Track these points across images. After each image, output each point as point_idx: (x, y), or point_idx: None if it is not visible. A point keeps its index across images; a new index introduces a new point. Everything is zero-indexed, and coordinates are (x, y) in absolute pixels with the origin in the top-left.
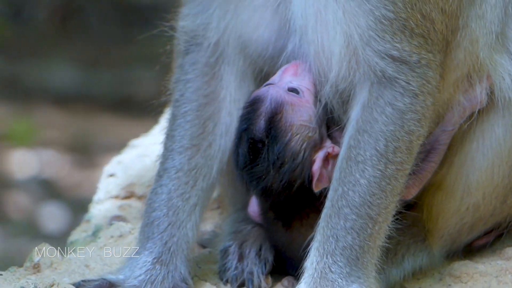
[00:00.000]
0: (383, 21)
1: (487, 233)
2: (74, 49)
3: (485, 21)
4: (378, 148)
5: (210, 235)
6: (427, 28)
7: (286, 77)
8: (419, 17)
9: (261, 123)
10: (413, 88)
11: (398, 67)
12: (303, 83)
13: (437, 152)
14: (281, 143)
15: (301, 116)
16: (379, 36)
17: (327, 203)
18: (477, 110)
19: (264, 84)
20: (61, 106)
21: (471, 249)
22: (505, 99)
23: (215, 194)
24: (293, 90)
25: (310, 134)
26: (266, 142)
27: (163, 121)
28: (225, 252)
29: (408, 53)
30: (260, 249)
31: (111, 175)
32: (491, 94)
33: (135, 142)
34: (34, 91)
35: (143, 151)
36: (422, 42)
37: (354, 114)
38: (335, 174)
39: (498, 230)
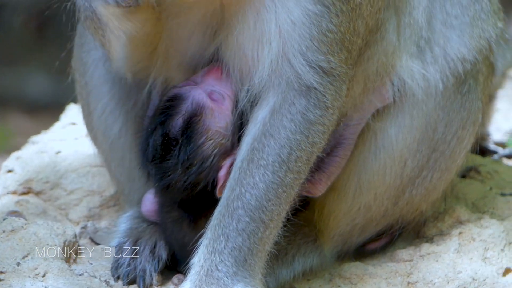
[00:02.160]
0: (327, 33)
1: (379, 235)
2: (49, 57)
3: (410, 29)
4: (282, 155)
5: (104, 232)
6: (353, 42)
7: (209, 80)
8: (352, 31)
9: (178, 121)
10: (326, 100)
11: (322, 78)
12: (225, 89)
13: (342, 147)
14: (194, 145)
15: (219, 123)
16: (317, 47)
17: (222, 202)
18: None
19: (184, 82)
20: (35, 115)
21: (363, 252)
22: (405, 96)
23: (112, 191)
24: (215, 95)
25: (223, 141)
26: (180, 141)
27: (64, 117)
28: (119, 248)
29: (335, 66)
30: (154, 247)
31: (10, 171)
32: (393, 94)
33: (35, 138)
34: (8, 98)
35: (42, 148)
36: (347, 56)
37: (262, 116)
38: (233, 174)
39: (390, 232)
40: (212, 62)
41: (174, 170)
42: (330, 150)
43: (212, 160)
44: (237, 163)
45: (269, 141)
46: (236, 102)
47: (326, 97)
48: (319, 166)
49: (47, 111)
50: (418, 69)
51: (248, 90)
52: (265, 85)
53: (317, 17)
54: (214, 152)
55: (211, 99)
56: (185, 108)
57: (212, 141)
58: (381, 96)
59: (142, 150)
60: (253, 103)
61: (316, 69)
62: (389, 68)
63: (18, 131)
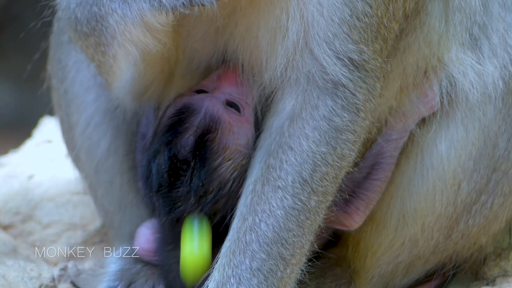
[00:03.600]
0: (361, 17)
1: (428, 276)
2: (14, 64)
3: (461, 13)
4: (304, 173)
5: (89, 275)
6: (390, 29)
7: (224, 86)
8: (390, 15)
9: (189, 139)
10: (357, 101)
11: (352, 73)
12: (243, 96)
13: (381, 167)
14: (209, 168)
15: (238, 139)
16: (347, 34)
17: (231, 235)
18: (424, 116)
19: (194, 89)
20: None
21: None
22: (456, 100)
23: (98, 224)
24: (232, 105)
25: (243, 162)
26: (192, 164)
27: (37, 134)
28: None
29: (368, 58)
30: None
31: None
32: (441, 97)
33: (2, 159)
34: None
35: (10, 171)
36: (382, 46)
37: (278, 124)
38: (245, 199)
39: (441, 272)
40: (224, 63)
41: (186, 200)
42: (368, 172)
43: (231, 186)
44: (248, 185)
45: (287, 156)
46: (256, 113)
47: (357, 96)
48: (354, 191)
49: (14, 127)
50: (472, 63)
51: (260, 90)
52: (281, 83)
53: None
54: (234, 176)
55: (228, 111)
56: (197, 123)
57: (230, 162)
58: (427, 100)
59: (143, 177)
60: (267, 107)
61: (345, 61)
62: (434, 61)
63: None
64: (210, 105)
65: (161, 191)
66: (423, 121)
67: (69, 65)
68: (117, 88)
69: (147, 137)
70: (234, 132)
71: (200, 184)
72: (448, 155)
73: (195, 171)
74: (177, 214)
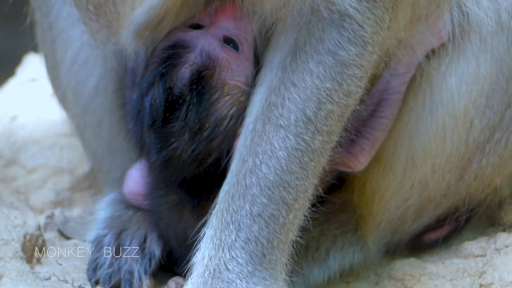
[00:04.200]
0: None
1: (440, 222)
2: (2, 15)
3: None
4: (308, 111)
5: (77, 222)
6: None
7: (221, 21)
8: None
9: (185, 73)
10: (364, 34)
11: (359, 3)
12: (242, 32)
13: (388, 104)
14: (206, 102)
15: (237, 76)
16: None
17: (230, 179)
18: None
19: (189, 23)
20: None
21: (420, 245)
22: (468, 32)
23: (86, 168)
24: (230, 41)
25: (242, 98)
26: (188, 98)
27: (20, 72)
28: (97, 243)
29: None
30: (144, 241)
31: None
32: (452, 27)
33: None
34: None
35: None
36: None
37: (280, 58)
38: (244, 140)
39: (454, 217)
40: None
41: (180, 136)
42: (373, 109)
43: (228, 123)
44: (248, 124)
45: (290, 93)
46: (256, 47)
47: (364, 28)
48: (359, 130)
49: None
50: None
51: (260, 22)
52: (284, 14)
53: None
54: (231, 112)
55: (226, 48)
56: (192, 59)
57: (228, 97)
58: (436, 31)
59: (135, 112)
60: (267, 41)
61: None
62: None
63: None
64: (206, 44)
65: (155, 126)
66: (432, 54)
67: None
68: (124, 30)
69: (137, 72)
70: (233, 69)
71: (196, 120)
72: (458, 91)
73: (191, 106)
74: (169, 152)
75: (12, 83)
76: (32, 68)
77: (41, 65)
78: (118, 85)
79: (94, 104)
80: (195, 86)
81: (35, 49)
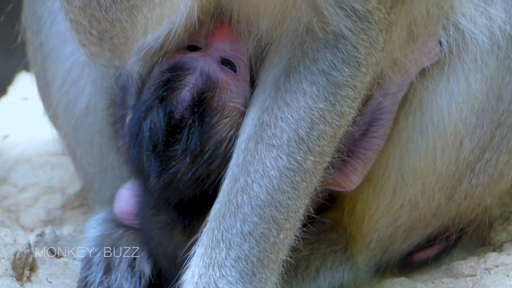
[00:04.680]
0: None
1: (430, 241)
2: None
3: None
4: (300, 131)
5: (68, 241)
6: None
7: (217, 42)
8: None
9: (185, 96)
10: (358, 55)
11: (354, 24)
12: (238, 53)
13: (380, 124)
14: (207, 125)
15: (236, 97)
16: None
17: (222, 197)
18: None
19: (185, 44)
20: None
21: (410, 265)
22: (459, 50)
23: (77, 187)
24: (228, 63)
25: (240, 120)
26: (189, 121)
27: (12, 91)
28: (87, 261)
29: (372, 9)
30: (134, 259)
31: None
32: (441, 46)
33: None
34: None
35: None
36: None
37: (273, 78)
38: (236, 159)
39: (444, 237)
40: (216, 16)
41: (181, 159)
42: (365, 129)
43: (227, 145)
44: (241, 143)
45: (283, 112)
46: (251, 67)
47: (358, 49)
48: (351, 150)
49: None
50: (479, 8)
51: (255, 42)
52: (278, 33)
53: None
54: (230, 134)
55: (224, 70)
56: (193, 81)
57: (228, 119)
58: (430, 50)
59: (131, 136)
60: (261, 61)
61: (348, 11)
62: (446, 7)
63: None
64: (206, 66)
65: (156, 151)
66: (422, 74)
67: (45, 16)
68: (130, 54)
69: (128, 91)
70: (232, 91)
71: (198, 143)
72: (448, 110)
73: (193, 129)
74: (170, 175)
75: (4, 102)
76: (24, 87)
77: (32, 83)
78: (108, 103)
79: (85, 123)
80: (196, 109)
81: (26, 67)
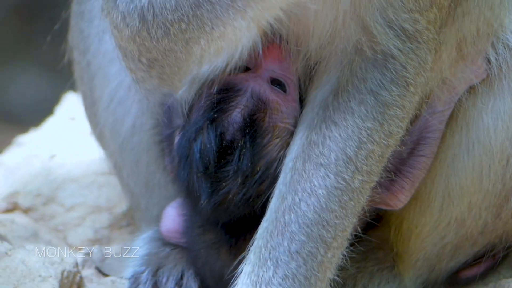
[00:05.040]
0: None
1: (476, 259)
2: (40, 56)
3: None
4: (348, 150)
5: (115, 260)
6: None
7: (267, 63)
8: None
9: (236, 117)
10: (407, 74)
11: (403, 44)
12: (287, 72)
13: (427, 142)
14: (258, 146)
15: (286, 118)
16: (402, 2)
17: (269, 215)
18: (471, 85)
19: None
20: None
21: (456, 283)
22: (507, 68)
23: (124, 206)
24: (277, 83)
25: (290, 139)
26: (240, 142)
27: (59, 110)
28: (135, 280)
29: (421, 29)
30: (181, 278)
31: None
32: (488, 63)
33: (22, 138)
34: None
35: (31, 150)
36: (436, 15)
37: (321, 97)
38: (284, 177)
39: (491, 254)
40: (266, 36)
41: (232, 180)
42: (412, 148)
43: (277, 165)
44: (288, 162)
45: (331, 131)
46: (300, 86)
47: (407, 69)
48: (399, 169)
49: (35, 103)
50: None
51: (304, 61)
52: (327, 53)
53: None
54: (280, 154)
55: (274, 90)
56: (244, 102)
57: (279, 139)
58: (478, 67)
59: (181, 157)
60: (310, 80)
61: (398, 31)
62: (496, 25)
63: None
64: (256, 86)
65: (207, 172)
66: (469, 91)
67: (91, 36)
68: (181, 83)
69: (175, 111)
70: (282, 111)
71: (249, 164)
72: (495, 128)
73: (244, 150)
74: (221, 196)
75: (51, 122)
76: (71, 106)
77: (79, 103)
78: (155, 122)
79: (132, 142)
80: (247, 130)
81: (73, 87)
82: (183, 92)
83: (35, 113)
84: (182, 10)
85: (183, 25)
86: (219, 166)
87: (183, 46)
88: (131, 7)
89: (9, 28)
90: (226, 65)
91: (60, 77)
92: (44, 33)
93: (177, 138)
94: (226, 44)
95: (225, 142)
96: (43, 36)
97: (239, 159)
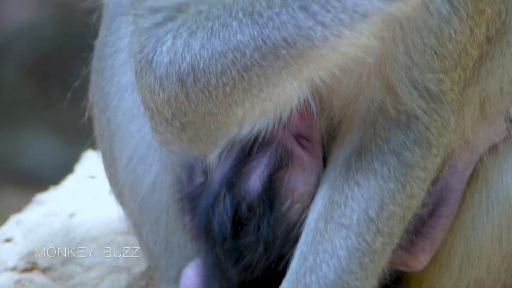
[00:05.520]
0: (446, 43)
1: None
2: (57, 117)
3: None
4: (370, 211)
5: None
6: (470, 56)
7: (290, 121)
8: (473, 41)
9: (255, 184)
10: (430, 136)
11: (427, 104)
12: (311, 130)
13: (447, 203)
14: (278, 213)
15: (308, 176)
16: (428, 62)
17: (290, 276)
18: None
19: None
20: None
21: None
22: None
23: (143, 266)
24: (302, 138)
25: (311, 202)
26: (259, 210)
27: (79, 169)
28: None
29: (445, 89)
30: None
31: (8, 240)
32: (510, 122)
33: (41, 196)
34: (3, 170)
35: (50, 209)
36: (460, 75)
37: (344, 157)
38: (305, 238)
39: None
40: None
41: (255, 248)
42: (433, 208)
43: (300, 227)
44: (310, 222)
45: (353, 192)
46: (323, 145)
47: (430, 130)
48: (419, 230)
49: (55, 162)
50: None
51: (327, 120)
52: (350, 111)
53: (441, 19)
54: (302, 218)
55: (299, 143)
56: (265, 161)
57: (299, 204)
58: (499, 126)
59: (202, 226)
60: (333, 139)
61: (422, 91)
62: None
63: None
64: (284, 138)
65: (226, 244)
66: (489, 151)
67: (112, 92)
68: (215, 146)
69: (195, 169)
70: (305, 168)
71: (269, 231)
72: None
73: (263, 218)
74: (245, 263)
75: (70, 180)
76: (90, 165)
77: (99, 162)
78: (175, 180)
79: (151, 201)
80: (265, 197)
81: (93, 145)
82: (214, 158)
83: (54, 173)
84: (228, 74)
85: (228, 89)
86: (238, 237)
87: (224, 109)
88: (170, 71)
89: (24, 90)
90: (269, 125)
91: (80, 135)
92: (59, 94)
93: (199, 207)
94: (273, 105)
95: (243, 213)
96: (57, 98)
97: (259, 228)
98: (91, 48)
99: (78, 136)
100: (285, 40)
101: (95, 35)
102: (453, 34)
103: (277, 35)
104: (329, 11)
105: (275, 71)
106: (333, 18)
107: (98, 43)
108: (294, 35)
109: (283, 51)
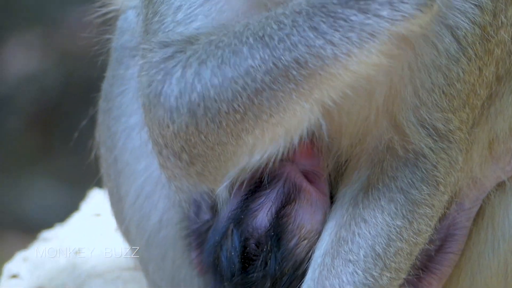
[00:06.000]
0: (455, 83)
1: None
2: (59, 166)
3: None
4: (377, 247)
5: None
6: (479, 96)
7: (298, 158)
8: (482, 81)
9: (263, 220)
10: (437, 174)
11: (435, 143)
12: (318, 168)
13: (454, 240)
14: (285, 249)
15: (315, 212)
16: (436, 101)
17: None
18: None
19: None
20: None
21: None
22: None
23: None
24: (309, 174)
25: (318, 239)
26: (266, 246)
27: (85, 206)
28: None
29: (453, 128)
30: None
31: (14, 276)
32: None
33: (47, 233)
34: (6, 218)
35: (56, 246)
36: (468, 114)
37: (351, 194)
38: (312, 273)
39: None
40: None
41: (262, 284)
42: (440, 244)
43: (307, 264)
44: (317, 258)
45: (360, 228)
46: (330, 182)
47: (438, 169)
48: (426, 265)
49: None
50: None
51: (335, 157)
52: (357, 149)
53: (449, 58)
54: (309, 255)
55: (307, 179)
56: (273, 197)
57: (306, 241)
58: (506, 164)
59: (211, 266)
60: (340, 176)
61: (430, 130)
62: None
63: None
64: (292, 171)
65: (234, 280)
66: (496, 188)
67: (119, 132)
68: (223, 179)
69: (202, 205)
70: (312, 204)
71: (276, 267)
72: None
73: (270, 254)
74: None
75: (76, 217)
76: (96, 203)
77: (105, 200)
78: (181, 217)
79: (158, 238)
80: (273, 233)
81: (99, 184)
82: (222, 191)
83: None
84: (239, 100)
85: (238, 116)
86: (246, 272)
87: (234, 138)
88: (181, 102)
89: (27, 138)
90: (279, 153)
91: (87, 173)
92: (61, 142)
93: (207, 243)
94: (283, 130)
95: (251, 249)
96: (60, 146)
97: (266, 265)
98: (97, 88)
99: (80, 182)
100: (296, 60)
101: (99, 78)
102: (461, 74)
103: (288, 56)
104: (337, 30)
105: (286, 94)
106: (341, 37)
107: (104, 84)
108: (305, 54)
109: (294, 72)
